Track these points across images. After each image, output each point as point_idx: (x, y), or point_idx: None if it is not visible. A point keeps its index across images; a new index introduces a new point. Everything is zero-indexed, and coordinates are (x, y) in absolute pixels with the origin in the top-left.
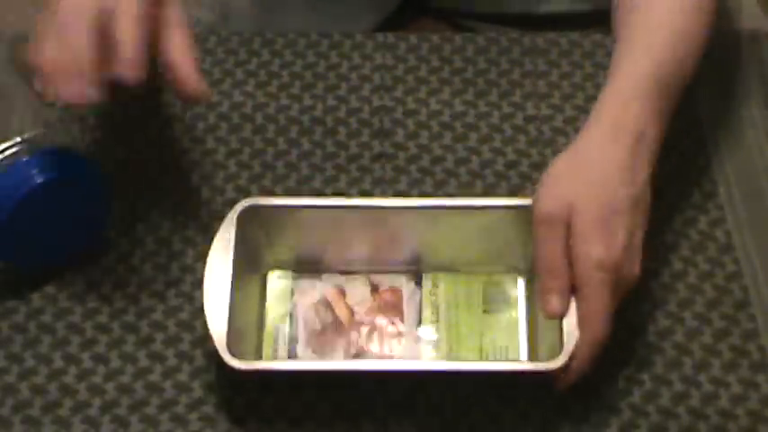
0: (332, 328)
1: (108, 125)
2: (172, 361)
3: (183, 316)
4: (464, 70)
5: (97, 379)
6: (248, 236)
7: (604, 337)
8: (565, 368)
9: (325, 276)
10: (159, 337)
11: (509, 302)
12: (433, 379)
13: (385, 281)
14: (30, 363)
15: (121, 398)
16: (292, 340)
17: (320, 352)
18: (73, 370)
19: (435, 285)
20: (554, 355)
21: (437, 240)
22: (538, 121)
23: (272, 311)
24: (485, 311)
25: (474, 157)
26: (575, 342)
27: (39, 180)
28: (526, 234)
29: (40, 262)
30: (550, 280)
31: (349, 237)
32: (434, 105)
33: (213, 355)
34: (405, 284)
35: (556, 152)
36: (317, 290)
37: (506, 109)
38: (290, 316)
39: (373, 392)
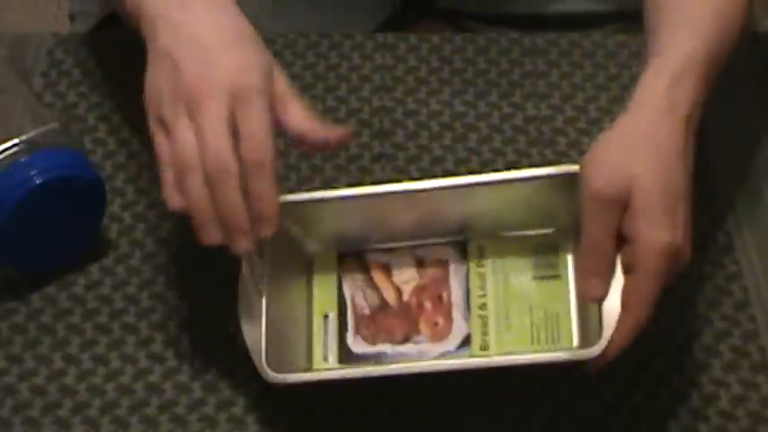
0: (380, 312)
1: (108, 125)
2: (172, 362)
3: (184, 316)
4: (464, 71)
5: (97, 380)
6: (282, 233)
7: (646, 322)
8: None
9: (369, 255)
10: (159, 337)
11: (558, 267)
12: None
13: (430, 254)
14: (29, 363)
15: (121, 398)
16: (342, 327)
17: (370, 340)
18: (73, 371)
19: (482, 255)
20: (592, 333)
21: (481, 211)
22: (538, 121)
23: (319, 298)
24: (534, 278)
25: (474, 158)
26: (613, 328)
27: (39, 180)
28: (569, 194)
29: (40, 262)
30: (596, 261)
31: (390, 219)
32: (434, 106)
33: (222, 360)
34: (450, 256)
35: (556, 152)
36: (362, 272)
37: (506, 109)
38: (338, 302)
39: (374, 394)
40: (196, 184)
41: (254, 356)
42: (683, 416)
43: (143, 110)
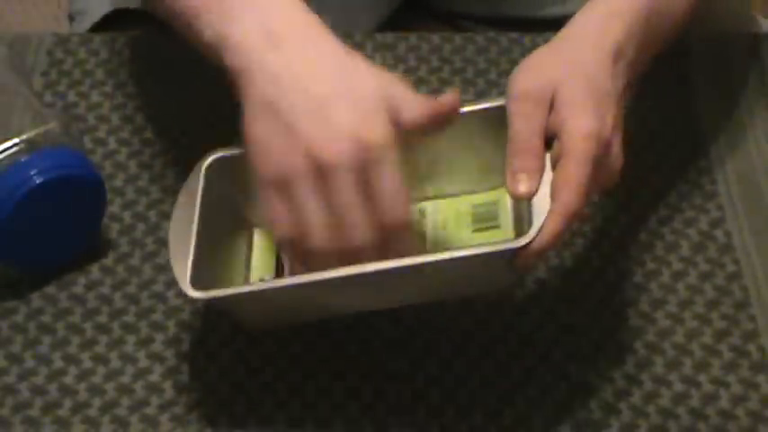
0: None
1: (108, 125)
2: (172, 361)
3: (184, 316)
4: (464, 70)
5: (97, 379)
6: (220, 191)
7: (576, 209)
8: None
9: None
10: (159, 337)
11: (498, 218)
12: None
13: None
14: (29, 363)
15: (121, 398)
16: None
17: None
18: (73, 370)
19: (422, 215)
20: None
21: (419, 166)
22: None
23: (257, 267)
24: (475, 230)
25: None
26: (542, 221)
27: (39, 180)
28: (499, 140)
29: (40, 261)
30: (523, 159)
31: None
32: None
33: (209, 353)
34: None
35: None
36: None
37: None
38: (276, 266)
39: (374, 394)
40: (325, 261)
41: (177, 273)
42: (683, 416)
43: (143, 110)
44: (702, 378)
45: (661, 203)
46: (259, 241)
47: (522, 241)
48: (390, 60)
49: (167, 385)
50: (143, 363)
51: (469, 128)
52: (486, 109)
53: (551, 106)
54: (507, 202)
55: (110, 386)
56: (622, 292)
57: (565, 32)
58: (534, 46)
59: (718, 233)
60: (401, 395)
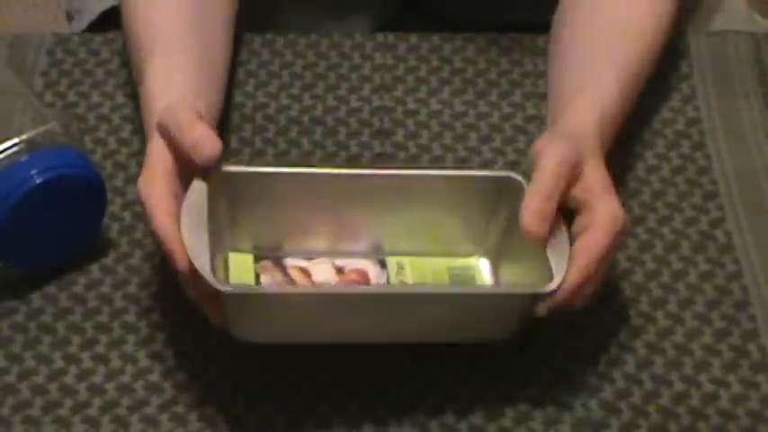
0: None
1: (108, 125)
2: (172, 361)
3: (184, 316)
4: (464, 70)
5: (97, 379)
6: (214, 208)
7: (591, 275)
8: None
9: (287, 260)
10: (159, 337)
11: (475, 281)
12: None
13: (350, 264)
14: (30, 363)
15: (121, 398)
16: None
17: None
18: (73, 370)
19: (401, 267)
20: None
21: (399, 223)
22: (538, 121)
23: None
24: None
25: (474, 157)
26: (566, 266)
27: (39, 179)
28: (490, 209)
29: (40, 262)
30: (544, 203)
31: (311, 220)
32: (434, 105)
33: (211, 352)
34: (370, 267)
35: None
36: (280, 271)
37: (506, 109)
38: None
39: (374, 394)
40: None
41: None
42: (683, 415)
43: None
44: (702, 378)
45: (661, 203)
46: (236, 266)
47: (553, 285)
48: (390, 60)
49: (167, 385)
50: (143, 362)
51: (454, 192)
52: (474, 177)
53: (576, 179)
54: (484, 272)
55: (110, 386)
56: (622, 292)
57: (567, 128)
58: (534, 46)
59: (718, 233)
60: (401, 395)
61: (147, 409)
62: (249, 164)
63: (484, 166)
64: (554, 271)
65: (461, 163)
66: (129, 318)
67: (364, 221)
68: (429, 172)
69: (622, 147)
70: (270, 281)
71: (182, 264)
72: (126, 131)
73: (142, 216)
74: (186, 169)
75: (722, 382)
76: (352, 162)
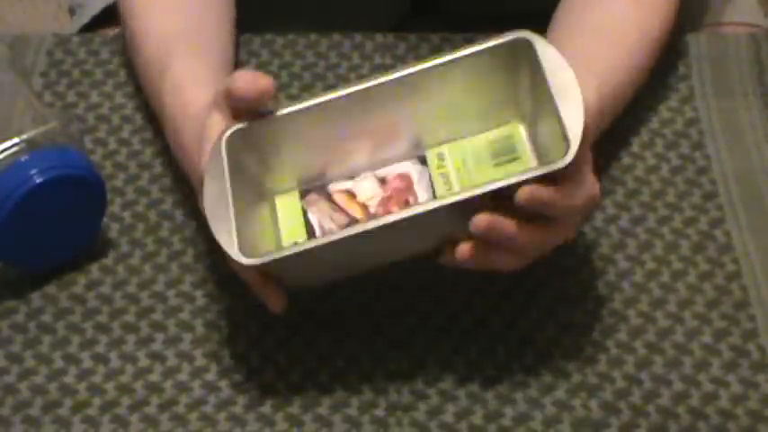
0: (349, 226)
1: (108, 125)
2: (172, 361)
3: (184, 316)
4: None
5: (97, 379)
6: (242, 163)
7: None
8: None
9: (331, 186)
10: (159, 337)
11: (516, 150)
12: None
13: (391, 171)
14: (30, 363)
15: (121, 398)
16: None
17: None
18: (73, 370)
19: (441, 159)
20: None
21: (430, 114)
22: None
23: (287, 233)
24: (496, 165)
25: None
26: (580, 132)
27: (39, 179)
28: (512, 74)
29: (40, 262)
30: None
31: (346, 141)
32: None
33: (214, 354)
34: (411, 168)
35: None
36: (326, 201)
37: None
38: (306, 229)
39: (374, 394)
40: None
41: (222, 242)
42: (683, 415)
43: (143, 110)
44: (702, 377)
45: (661, 203)
46: (282, 207)
47: (568, 159)
48: (390, 60)
49: (167, 385)
50: (143, 362)
51: (478, 69)
52: (492, 47)
53: None
54: (522, 134)
55: (110, 385)
56: (622, 291)
57: None
58: None
59: (718, 233)
60: (401, 395)
61: (147, 408)
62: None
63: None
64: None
65: None
66: (129, 318)
67: (396, 124)
68: (441, 60)
69: (622, 147)
70: (317, 214)
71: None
72: (126, 131)
73: (142, 216)
74: None
75: (722, 381)
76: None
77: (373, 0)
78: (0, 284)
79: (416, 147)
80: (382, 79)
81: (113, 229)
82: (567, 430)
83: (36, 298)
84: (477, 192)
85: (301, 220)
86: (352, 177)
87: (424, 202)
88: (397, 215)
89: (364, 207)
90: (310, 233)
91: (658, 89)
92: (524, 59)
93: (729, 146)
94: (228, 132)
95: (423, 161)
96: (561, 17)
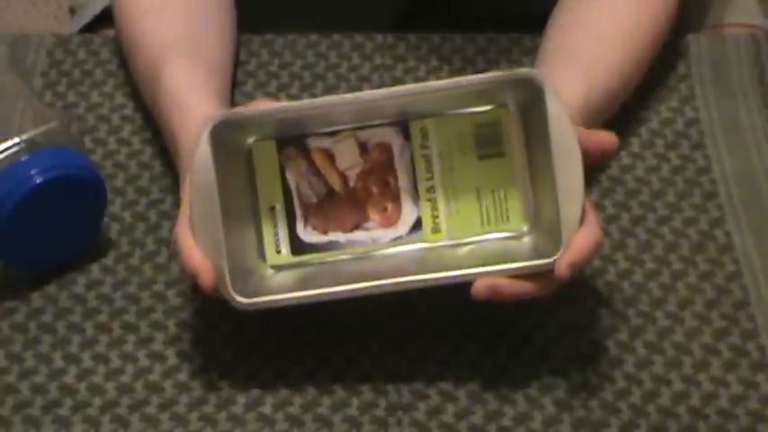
0: (328, 199)
1: (108, 125)
2: (172, 361)
3: (184, 316)
4: (463, 70)
5: (97, 378)
6: (224, 139)
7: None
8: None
9: (309, 140)
10: (159, 336)
11: (503, 142)
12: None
13: (373, 137)
14: (30, 363)
15: (121, 397)
16: (291, 219)
17: (321, 229)
18: (73, 369)
19: (425, 136)
20: (542, 211)
21: (421, 97)
22: None
23: (264, 189)
24: (479, 157)
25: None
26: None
27: (39, 179)
28: (508, 93)
29: (40, 262)
30: None
31: (331, 109)
32: None
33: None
34: (393, 138)
35: None
36: (303, 156)
37: None
38: (283, 192)
39: (374, 394)
40: None
41: (220, 284)
42: (683, 415)
43: (143, 110)
44: (702, 377)
45: (661, 203)
46: (260, 158)
47: (551, 260)
48: (390, 60)
49: (167, 384)
50: (143, 362)
51: (473, 91)
52: (491, 79)
53: None
54: (510, 124)
55: (110, 385)
56: (622, 292)
57: None
58: (533, 46)
59: (718, 233)
60: (401, 395)
61: (147, 408)
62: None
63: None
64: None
65: None
66: (129, 318)
67: (385, 92)
68: (448, 84)
69: (622, 147)
70: (295, 176)
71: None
72: (126, 131)
73: (142, 216)
74: None
75: (722, 381)
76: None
77: (373, 0)
78: (0, 284)
79: (400, 113)
80: (379, 95)
81: (113, 229)
82: (566, 430)
83: (36, 298)
84: (458, 276)
85: (278, 181)
86: (331, 133)
87: (406, 279)
88: (383, 283)
89: (343, 177)
90: (288, 198)
91: (658, 89)
92: (526, 93)
93: (729, 146)
94: (212, 123)
95: (405, 131)
96: (557, 15)
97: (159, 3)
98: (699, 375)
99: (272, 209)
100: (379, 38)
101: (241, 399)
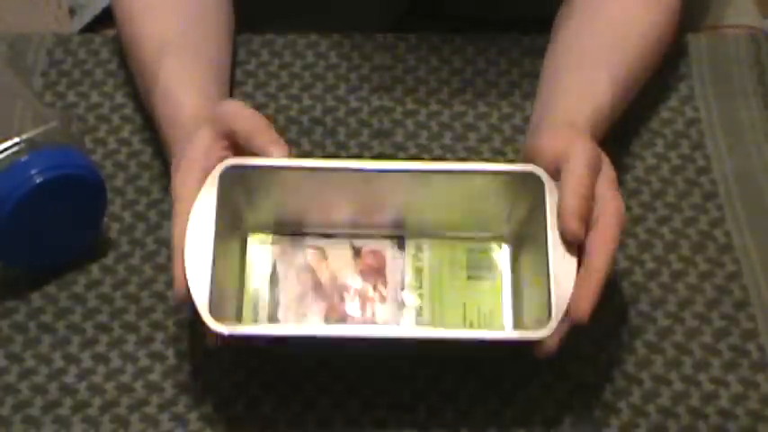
0: (313, 291)
1: (108, 125)
2: (172, 361)
3: (184, 316)
4: (463, 71)
5: (97, 378)
6: (229, 197)
7: (609, 279)
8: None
9: (306, 239)
10: (159, 336)
11: (493, 269)
12: (416, 348)
13: (368, 244)
14: (30, 363)
15: (121, 397)
16: (273, 304)
17: (302, 315)
18: (73, 369)
19: (419, 250)
20: (541, 326)
21: (421, 205)
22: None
23: (253, 275)
24: (469, 277)
25: (474, 158)
26: (564, 312)
27: (39, 179)
28: (511, 199)
29: (41, 261)
30: (583, 204)
31: (331, 199)
32: (434, 106)
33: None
34: (388, 248)
35: None
36: (297, 253)
37: (506, 109)
38: (271, 280)
39: (374, 394)
40: None
41: (200, 309)
42: (683, 415)
43: (143, 110)
44: (702, 377)
45: (661, 203)
46: (254, 247)
47: (545, 332)
48: (390, 60)
49: (167, 384)
50: (143, 362)
51: (480, 183)
52: (501, 171)
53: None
54: (502, 259)
55: (110, 385)
56: (622, 291)
57: (558, 126)
58: (534, 46)
59: (718, 233)
60: (401, 395)
61: (147, 408)
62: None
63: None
64: (552, 311)
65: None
66: (129, 318)
67: (385, 203)
68: (451, 167)
69: (622, 147)
70: (285, 266)
71: (178, 291)
72: (126, 131)
73: (142, 216)
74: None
75: (722, 381)
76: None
77: (373, 0)
78: (0, 284)
79: (397, 227)
80: (384, 166)
81: (113, 229)
82: (566, 430)
83: (36, 298)
84: (442, 335)
85: (269, 268)
86: (328, 235)
87: (388, 328)
88: (362, 331)
89: (333, 274)
90: (274, 283)
91: (658, 89)
92: (528, 191)
93: (729, 146)
94: (222, 167)
95: (401, 244)
96: (569, 13)
97: (156, 1)
98: (699, 375)
99: (257, 289)
100: (379, 38)
101: (241, 399)
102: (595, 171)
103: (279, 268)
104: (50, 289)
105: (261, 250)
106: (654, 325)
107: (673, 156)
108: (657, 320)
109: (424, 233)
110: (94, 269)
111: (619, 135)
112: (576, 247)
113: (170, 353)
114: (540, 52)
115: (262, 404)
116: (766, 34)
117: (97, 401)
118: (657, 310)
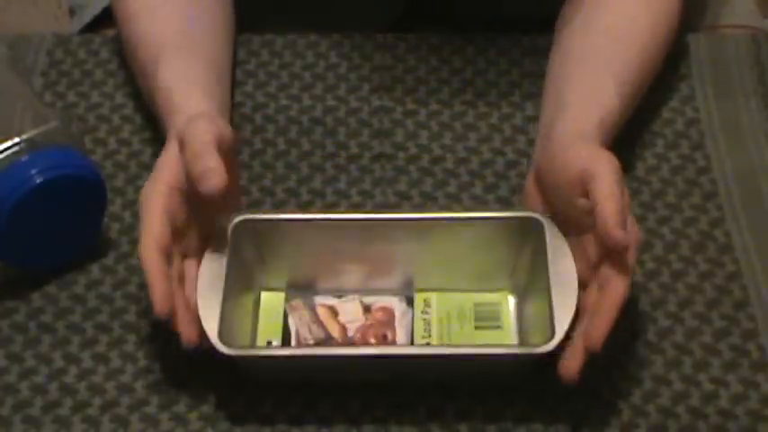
0: (324, 343)
1: (108, 125)
2: (172, 360)
3: None
4: (463, 70)
5: (97, 378)
6: (241, 252)
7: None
8: (557, 351)
9: (317, 298)
10: (160, 336)
11: (500, 320)
12: (426, 371)
13: (377, 301)
14: (30, 363)
15: (121, 397)
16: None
17: None
18: (73, 370)
19: (427, 305)
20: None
21: (428, 260)
22: (537, 121)
23: (264, 329)
24: (476, 327)
25: (474, 158)
26: (568, 325)
27: (39, 179)
28: (515, 247)
29: (40, 262)
30: (621, 213)
31: (341, 260)
32: (434, 105)
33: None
34: (397, 305)
35: None
36: (308, 310)
37: (506, 109)
38: (282, 332)
39: (374, 394)
40: None
41: (209, 334)
42: (683, 415)
43: (143, 110)
44: (702, 377)
45: (661, 203)
46: (266, 305)
47: (550, 346)
48: (390, 60)
49: (168, 384)
50: (143, 362)
51: (483, 232)
52: (502, 217)
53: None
54: (510, 305)
55: (110, 385)
56: None
57: (566, 136)
58: (534, 46)
59: (718, 233)
60: (401, 395)
61: (147, 408)
62: (272, 210)
63: (502, 202)
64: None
65: (461, 164)
66: (129, 317)
67: (393, 260)
68: (455, 215)
69: (622, 147)
70: (297, 321)
71: (158, 304)
72: (126, 131)
73: None
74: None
75: (722, 381)
76: (378, 207)
77: (373, 0)
78: (0, 284)
79: (407, 285)
80: (390, 216)
81: (113, 229)
82: (567, 430)
83: (36, 298)
84: (449, 352)
85: (280, 322)
86: (339, 295)
87: (397, 345)
88: (368, 350)
89: (343, 328)
90: (286, 337)
91: (658, 89)
92: (530, 237)
93: (729, 146)
94: (236, 220)
95: (410, 301)
96: (571, 16)
97: (156, 1)
98: (699, 375)
99: (269, 342)
100: (379, 38)
101: (241, 398)
102: (621, 185)
103: (290, 323)
104: (50, 289)
105: (273, 307)
106: (654, 325)
107: (673, 156)
108: (657, 320)
109: (431, 288)
110: (94, 269)
111: (619, 135)
112: (576, 285)
113: (170, 353)
114: (539, 52)
115: (262, 404)
116: (766, 34)
117: (97, 401)
118: (657, 310)
